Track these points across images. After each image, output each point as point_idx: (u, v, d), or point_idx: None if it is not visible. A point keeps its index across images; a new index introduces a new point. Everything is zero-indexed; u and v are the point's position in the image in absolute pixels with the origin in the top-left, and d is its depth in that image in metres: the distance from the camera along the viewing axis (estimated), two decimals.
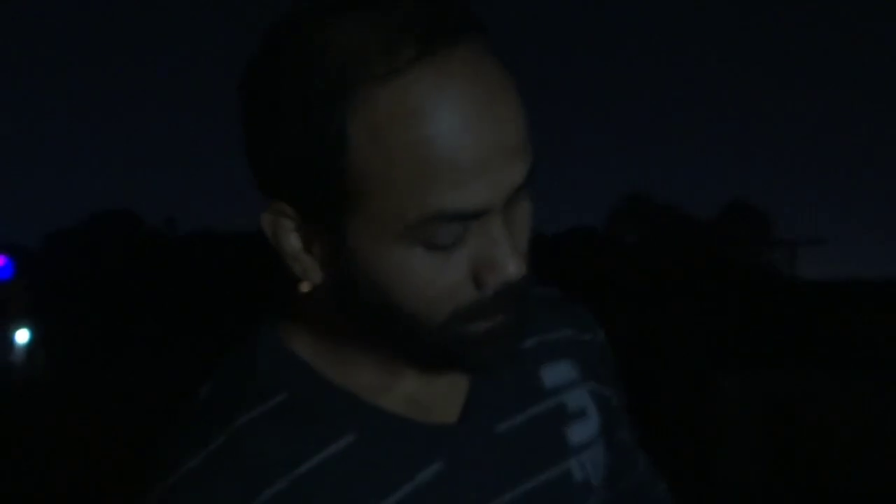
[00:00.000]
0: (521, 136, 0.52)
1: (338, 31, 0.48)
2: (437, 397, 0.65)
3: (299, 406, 0.60)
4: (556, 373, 0.70)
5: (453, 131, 0.48)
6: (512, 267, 0.54)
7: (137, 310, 29.81)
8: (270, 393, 0.60)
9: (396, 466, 0.60)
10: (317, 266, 0.57)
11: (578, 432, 0.70)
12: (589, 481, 0.69)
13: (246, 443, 0.58)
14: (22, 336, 21.43)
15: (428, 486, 0.60)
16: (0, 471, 7.13)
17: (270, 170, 0.55)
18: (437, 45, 0.48)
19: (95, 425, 9.50)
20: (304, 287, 0.56)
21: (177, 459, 0.58)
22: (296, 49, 0.49)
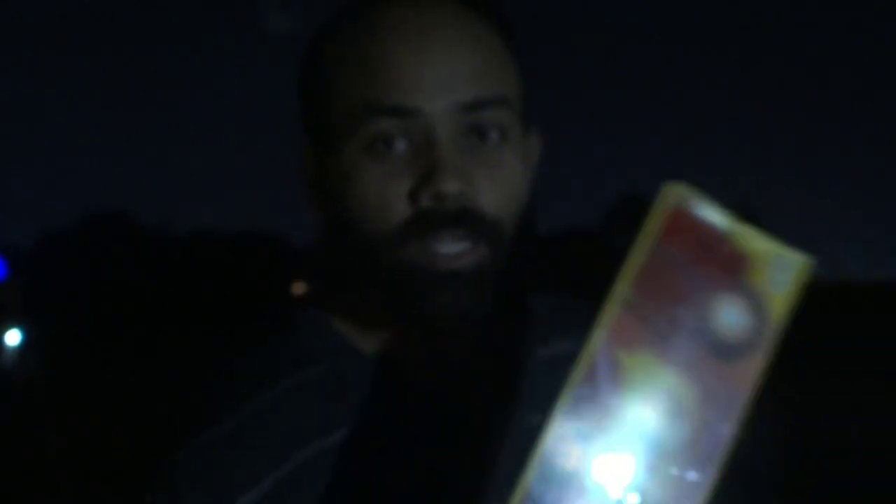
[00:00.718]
0: (465, 67, 0.59)
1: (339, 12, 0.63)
2: (449, 368, 0.65)
3: (333, 379, 0.64)
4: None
5: (392, 50, 0.59)
6: (444, 179, 0.57)
7: (131, 310, 29.80)
8: (306, 364, 0.65)
9: (414, 436, 0.63)
10: (317, 199, 0.65)
11: None
12: None
13: (280, 401, 0.62)
14: (13, 337, 21.37)
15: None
16: None
17: (300, 116, 0.65)
18: (396, 3, 0.60)
19: (90, 426, 9.46)
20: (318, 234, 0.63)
21: (205, 419, 0.63)
22: (323, 24, 0.64)
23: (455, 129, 0.59)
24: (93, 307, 29.32)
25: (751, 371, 0.43)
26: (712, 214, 0.44)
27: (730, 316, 0.44)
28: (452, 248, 0.58)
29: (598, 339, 0.43)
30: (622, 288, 0.44)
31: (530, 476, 0.42)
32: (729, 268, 0.44)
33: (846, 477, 5.40)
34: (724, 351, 0.43)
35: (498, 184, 0.60)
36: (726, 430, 0.43)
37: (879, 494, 4.97)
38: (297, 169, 0.65)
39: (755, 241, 0.44)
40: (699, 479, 0.42)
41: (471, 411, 0.64)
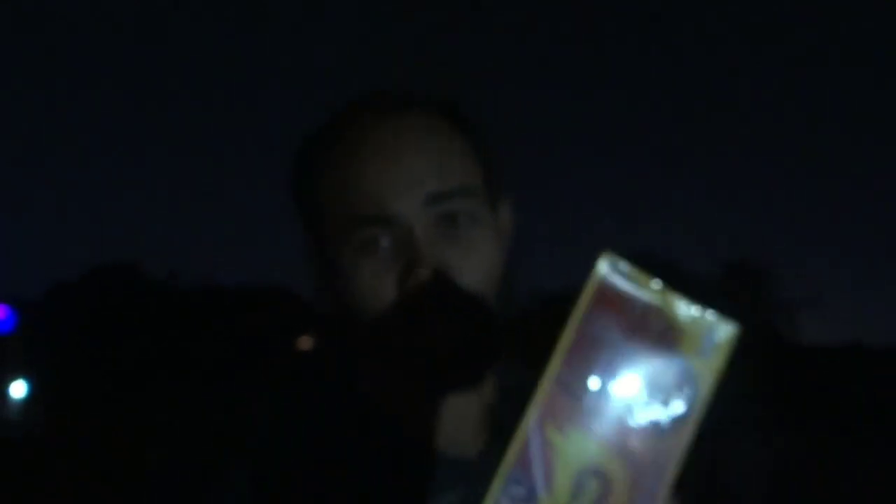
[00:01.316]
0: (431, 165, 0.69)
1: (326, 123, 0.74)
2: (460, 430, 0.72)
3: (344, 426, 0.72)
4: None
5: (367, 157, 0.69)
6: (422, 268, 0.66)
7: (138, 363, 29.60)
8: (315, 408, 0.73)
9: (417, 493, 0.69)
10: (327, 285, 0.73)
11: None
12: None
13: (285, 427, 0.71)
14: (18, 389, 21.25)
15: None
16: None
17: (299, 218, 0.75)
18: (365, 117, 0.71)
19: (93, 480, 9.36)
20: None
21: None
22: (305, 142, 0.74)
23: (428, 221, 0.68)
24: (100, 359, 29.16)
25: (680, 441, 0.43)
26: (642, 285, 0.44)
27: (660, 389, 0.44)
28: (440, 325, 0.66)
29: (530, 418, 0.43)
30: (554, 365, 0.44)
31: None
32: (660, 339, 0.44)
33: None
34: (655, 424, 0.43)
35: (472, 262, 0.68)
36: (656, 501, 0.43)
37: None
38: (304, 261, 0.75)
39: (685, 311, 0.44)
40: None
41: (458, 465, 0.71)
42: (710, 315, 0.44)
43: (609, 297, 0.44)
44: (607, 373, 0.43)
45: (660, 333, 0.44)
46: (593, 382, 0.43)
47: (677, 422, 0.43)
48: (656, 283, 0.45)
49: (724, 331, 0.44)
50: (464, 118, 0.74)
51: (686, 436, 0.43)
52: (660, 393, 0.43)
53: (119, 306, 30.64)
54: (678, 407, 0.43)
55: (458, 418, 0.71)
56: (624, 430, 0.43)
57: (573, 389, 0.43)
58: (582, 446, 0.43)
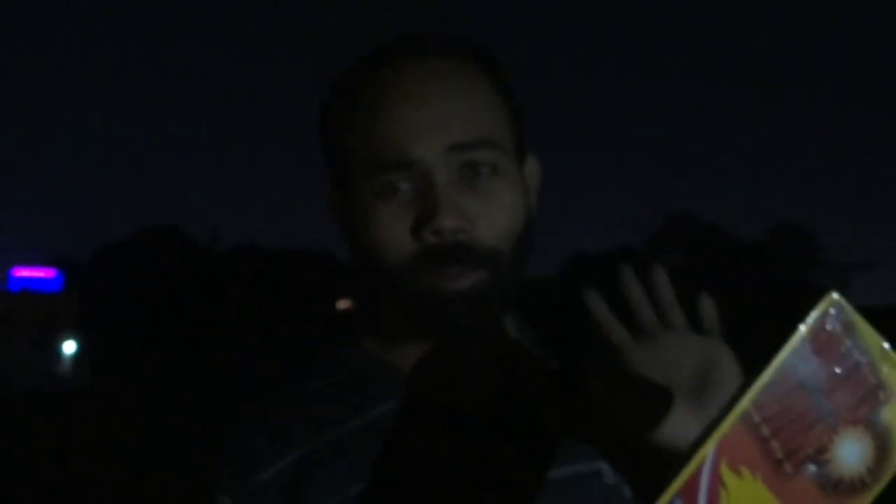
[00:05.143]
0: (458, 114, 0.68)
1: (354, 66, 0.72)
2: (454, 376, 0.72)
3: (356, 380, 0.73)
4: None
5: (395, 101, 0.68)
6: (441, 215, 0.65)
7: (181, 322, 30.23)
8: (335, 369, 0.74)
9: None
10: (344, 232, 0.74)
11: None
12: (622, 486, 0.69)
13: (309, 396, 0.73)
14: (69, 347, 21.88)
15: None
16: (49, 476, 7.28)
17: (324, 161, 0.75)
18: (400, 56, 0.70)
19: (138, 434, 9.63)
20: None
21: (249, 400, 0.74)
22: (333, 85, 0.74)
23: (450, 169, 0.66)
24: (145, 317, 29.82)
25: None
26: (866, 338, 0.41)
27: (851, 451, 0.40)
28: (453, 275, 0.66)
29: (708, 448, 0.40)
30: (745, 401, 0.40)
31: None
32: (863, 398, 0.41)
33: None
34: (834, 486, 0.41)
35: (493, 213, 0.67)
36: None
37: None
38: (327, 205, 0.75)
39: None
40: None
41: (476, 410, 0.70)
42: None
43: (824, 343, 0.40)
44: (799, 423, 0.40)
45: (866, 392, 0.41)
46: (783, 430, 0.40)
47: (859, 488, 0.41)
48: (881, 340, 0.41)
49: None
50: (493, 65, 0.72)
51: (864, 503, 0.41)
52: (849, 456, 0.41)
53: (164, 267, 31.19)
54: (863, 474, 0.41)
55: (455, 365, 0.71)
56: (802, 486, 0.40)
57: (759, 432, 0.40)
58: (753, 494, 0.40)
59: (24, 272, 28.87)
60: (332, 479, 0.68)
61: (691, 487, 0.40)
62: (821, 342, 0.40)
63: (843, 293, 0.40)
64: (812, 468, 0.40)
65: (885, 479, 0.41)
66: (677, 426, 0.59)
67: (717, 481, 0.40)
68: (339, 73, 0.73)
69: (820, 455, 0.40)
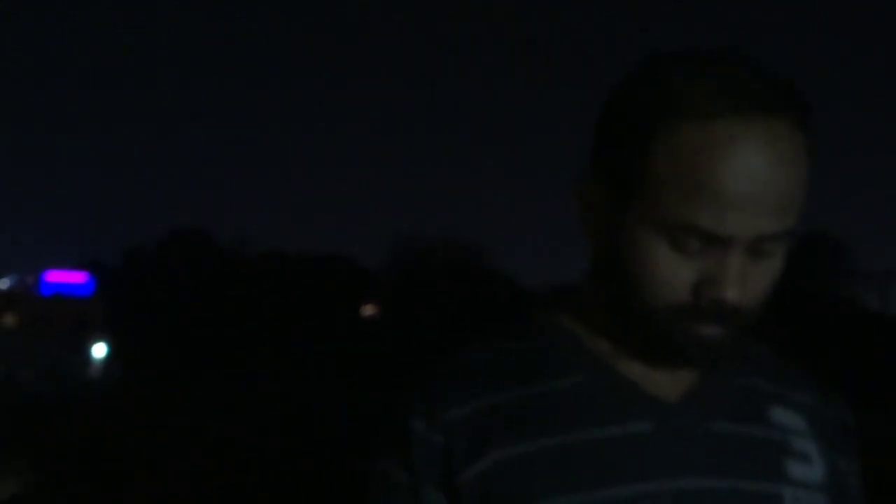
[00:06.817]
0: (782, 200, 0.66)
1: (673, 75, 0.67)
2: (665, 383, 0.74)
3: (548, 352, 0.75)
4: (785, 417, 0.77)
5: (729, 173, 0.64)
6: (729, 291, 0.67)
7: (209, 326, 30.42)
8: (528, 338, 0.76)
9: (612, 411, 0.72)
10: (594, 230, 0.74)
11: (798, 470, 0.74)
12: None
13: (505, 354, 0.75)
14: (100, 350, 22.18)
15: (633, 437, 0.71)
16: (79, 477, 7.35)
17: (599, 153, 0.72)
18: (742, 111, 0.65)
19: (167, 436, 9.77)
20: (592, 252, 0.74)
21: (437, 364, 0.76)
22: (641, 81, 0.69)
23: (745, 248, 0.67)
24: (173, 321, 30.11)
25: None
26: None
27: None
28: (711, 334, 0.69)
29: None
30: None
31: None
32: None
33: None
34: None
35: (760, 286, 0.69)
36: None
37: None
38: (575, 192, 0.74)
39: None
40: None
41: (707, 428, 0.72)
42: None
43: None
44: None
45: None
46: None
47: None
48: None
49: None
50: (814, 132, 0.69)
51: None
52: None
53: (192, 271, 31.46)
54: None
55: (673, 378, 0.73)
56: None
57: None
58: None
59: (56, 276, 29.20)
60: (521, 430, 0.70)
61: None
62: None
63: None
64: None
65: None
66: None
67: None
68: (664, 77, 0.68)
69: None
